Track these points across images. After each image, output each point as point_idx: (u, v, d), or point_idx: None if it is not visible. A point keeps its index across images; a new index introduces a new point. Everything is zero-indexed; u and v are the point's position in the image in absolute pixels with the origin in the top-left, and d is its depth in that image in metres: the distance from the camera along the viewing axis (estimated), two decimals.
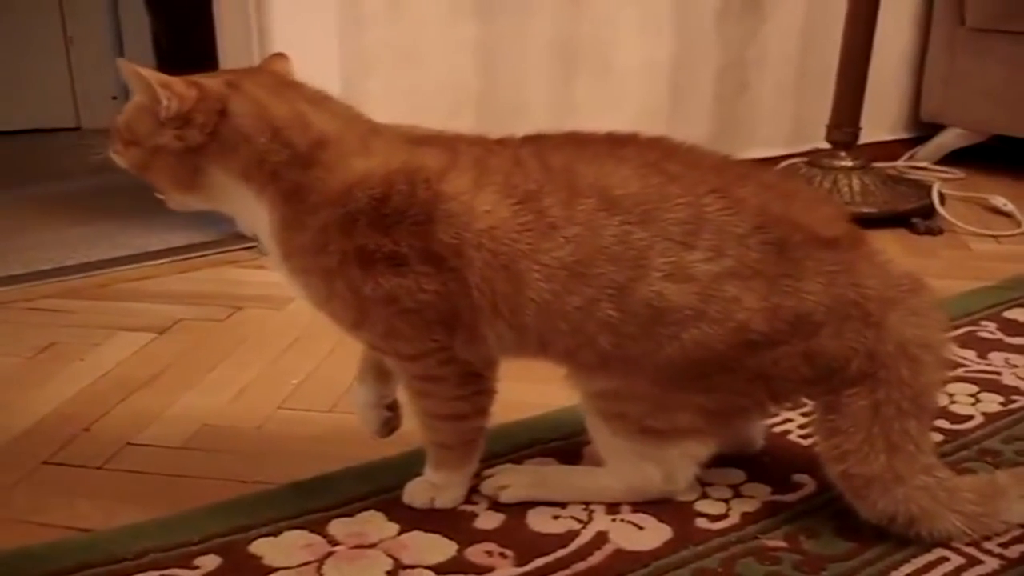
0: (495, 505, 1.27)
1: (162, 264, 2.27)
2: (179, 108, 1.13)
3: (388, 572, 1.14)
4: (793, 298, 1.14)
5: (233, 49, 2.33)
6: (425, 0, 2.45)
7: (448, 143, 1.20)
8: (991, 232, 2.56)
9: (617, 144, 1.20)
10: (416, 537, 1.21)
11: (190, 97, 1.13)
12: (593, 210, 1.13)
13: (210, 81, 1.16)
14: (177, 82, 1.14)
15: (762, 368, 1.16)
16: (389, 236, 1.13)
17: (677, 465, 1.25)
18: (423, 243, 1.13)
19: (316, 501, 1.27)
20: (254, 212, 1.19)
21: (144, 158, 1.18)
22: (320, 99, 1.21)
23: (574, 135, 1.23)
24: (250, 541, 1.19)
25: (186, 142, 1.15)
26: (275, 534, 1.21)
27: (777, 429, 1.45)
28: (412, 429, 1.29)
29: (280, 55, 1.27)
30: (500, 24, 2.56)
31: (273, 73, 1.24)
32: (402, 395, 1.31)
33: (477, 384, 1.24)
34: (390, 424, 1.34)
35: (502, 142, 1.22)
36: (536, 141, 1.21)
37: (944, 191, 2.73)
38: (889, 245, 2.33)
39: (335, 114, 1.20)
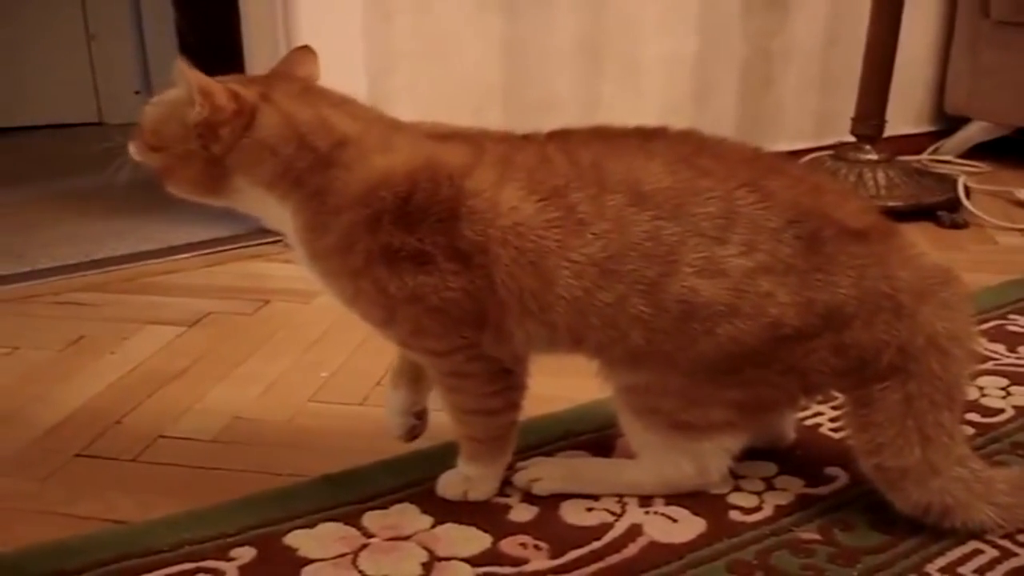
0: (528, 497, 1.27)
1: (189, 258, 2.28)
2: (209, 117, 1.12)
3: (423, 564, 1.15)
4: (825, 292, 1.13)
5: (259, 44, 2.34)
6: None
7: (473, 140, 1.20)
8: (1017, 226, 2.54)
9: (646, 138, 1.20)
10: (450, 529, 1.21)
11: (227, 110, 1.13)
12: (623, 205, 1.13)
13: (247, 92, 1.15)
14: (220, 92, 1.12)
15: (794, 361, 1.16)
16: (414, 234, 1.13)
17: (710, 458, 1.25)
18: (448, 240, 1.13)
19: (350, 494, 1.28)
20: (278, 216, 1.19)
21: (167, 163, 1.18)
22: (341, 101, 1.21)
23: (602, 129, 1.22)
24: (285, 533, 1.20)
25: (208, 151, 1.14)
26: (310, 526, 1.21)
27: (809, 422, 1.45)
28: (443, 421, 1.29)
29: (305, 48, 1.26)
30: (526, 19, 2.56)
31: (300, 79, 1.22)
32: (431, 403, 1.33)
33: (507, 380, 1.24)
34: (415, 431, 1.35)
35: (528, 138, 1.22)
36: (563, 136, 1.21)
37: (969, 184, 2.72)
38: (915, 239, 2.30)
39: (356, 115, 1.19)
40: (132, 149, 1.20)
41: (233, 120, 1.13)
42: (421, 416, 1.34)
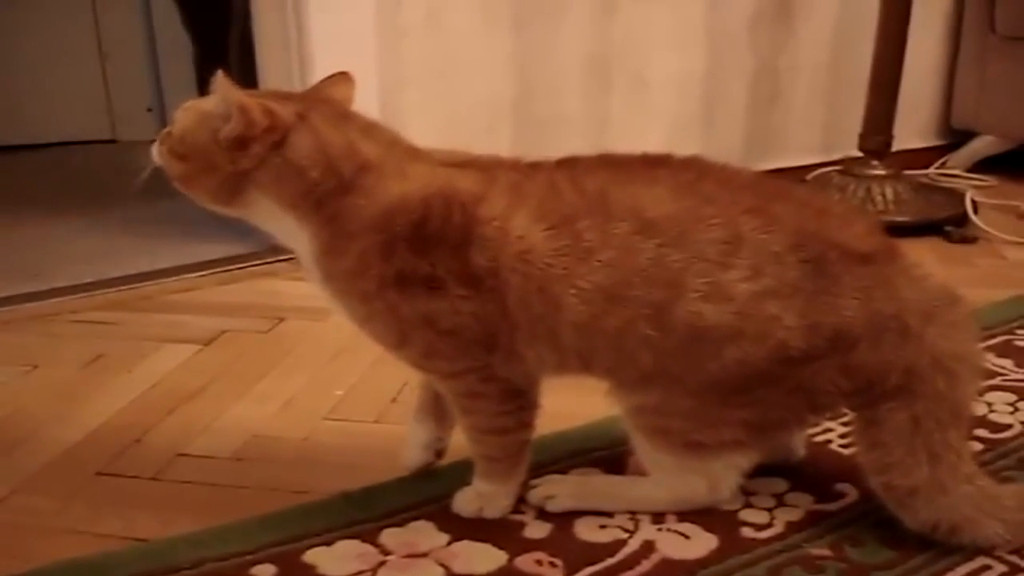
0: (543, 514, 1.28)
1: (204, 276, 2.30)
2: (244, 132, 1.14)
3: None
4: (831, 315, 1.15)
5: (272, 63, 2.36)
6: (461, 14, 2.48)
7: (486, 168, 1.22)
8: None
9: (650, 166, 1.21)
10: (466, 546, 1.23)
11: (260, 125, 1.13)
12: (628, 233, 1.14)
13: (284, 110, 1.16)
14: (255, 108, 1.13)
15: (802, 382, 1.18)
16: (426, 259, 1.15)
17: (721, 476, 1.26)
18: (460, 266, 1.15)
19: (367, 511, 1.29)
20: (294, 235, 1.20)
21: (190, 173, 1.19)
22: (369, 127, 1.22)
23: (607, 157, 1.23)
24: (304, 551, 1.22)
25: (236, 165, 1.16)
26: (328, 544, 1.23)
27: (818, 439, 1.46)
28: (458, 439, 1.31)
29: (344, 74, 1.27)
30: (535, 37, 2.58)
31: (335, 102, 1.24)
32: (452, 440, 1.35)
33: (520, 400, 1.25)
34: (429, 467, 1.37)
35: (537, 166, 1.23)
36: (570, 165, 1.22)
37: (977, 199, 2.73)
38: (923, 254, 2.33)
39: (378, 140, 1.20)
40: (155, 152, 1.21)
41: (264, 136, 1.14)
42: (440, 455, 1.37)
